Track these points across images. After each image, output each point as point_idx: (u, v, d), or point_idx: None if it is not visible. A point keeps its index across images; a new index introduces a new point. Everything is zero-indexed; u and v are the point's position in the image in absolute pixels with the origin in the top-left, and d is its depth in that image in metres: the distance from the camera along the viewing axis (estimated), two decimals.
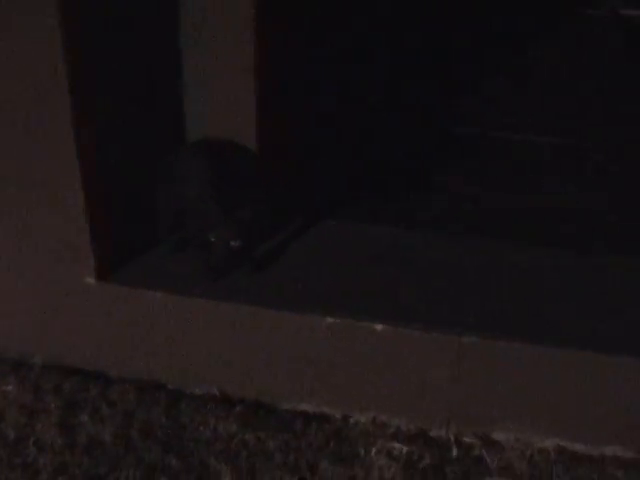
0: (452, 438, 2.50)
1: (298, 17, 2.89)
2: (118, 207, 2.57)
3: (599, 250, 2.75)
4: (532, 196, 2.96)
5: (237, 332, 2.52)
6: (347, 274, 2.59)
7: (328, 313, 2.44)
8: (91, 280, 2.56)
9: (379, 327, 2.42)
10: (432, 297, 2.51)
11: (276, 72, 2.72)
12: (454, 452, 2.47)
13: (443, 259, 2.65)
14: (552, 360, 2.39)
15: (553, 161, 3.22)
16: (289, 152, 2.93)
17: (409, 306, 2.48)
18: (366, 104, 3.28)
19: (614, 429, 2.47)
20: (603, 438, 2.48)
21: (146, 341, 2.60)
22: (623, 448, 2.49)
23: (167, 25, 2.58)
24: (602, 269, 2.65)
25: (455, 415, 2.49)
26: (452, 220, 2.87)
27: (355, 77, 3.27)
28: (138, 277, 2.58)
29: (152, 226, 2.65)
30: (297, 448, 2.46)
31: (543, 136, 3.29)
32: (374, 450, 2.46)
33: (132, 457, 2.42)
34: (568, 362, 2.40)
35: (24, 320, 2.67)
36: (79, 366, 2.67)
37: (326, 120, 3.09)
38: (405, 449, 2.46)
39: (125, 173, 2.57)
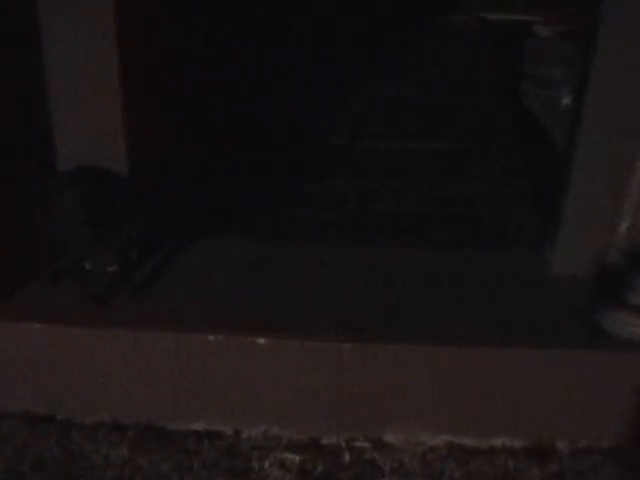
0: (343, 444, 2.52)
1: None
2: None
3: (466, 247, 2.85)
4: (402, 200, 3.00)
5: (120, 357, 2.50)
6: (227, 290, 2.60)
7: (210, 330, 2.44)
8: None
9: (261, 341, 2.43)
10: (311, 307, 2.54)
11: (143, 92, 2.73)
12: (346, 457, 2.49)
13: (319, 268, 2.68)
14: (432, 358, 2.44)
15: (423, 165, 3.27)
16: (162, 172, 2.93)
17: (289, 318, 2.50)
18: (237, 120, 3.28)
19: (501, 420, 2.52)
20: (491, 430, 2.53)
21: (31, 374, 2.56)
22: (511, 438, 2.55)
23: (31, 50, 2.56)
24: (471, 265, 2.72)
25: (344, 421, 2.51)
26: (327, 228, 2.90)
27: (224, 92, 3.28)
28: (17, 310, 2.54)
29: (31, 258, 2.62)
30: (191, 468, 2.45)
31: (413, 142, 3.33)
32: (267, 463, 2.47)
33: None
34: (448, 358, 2.45)
35: None
36: None
37: (199, 136, 3.09)
38: (298, 459, 2.48)
39: None
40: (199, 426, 2.56)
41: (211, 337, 2.45)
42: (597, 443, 2.57)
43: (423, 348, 2.44)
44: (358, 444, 2.52)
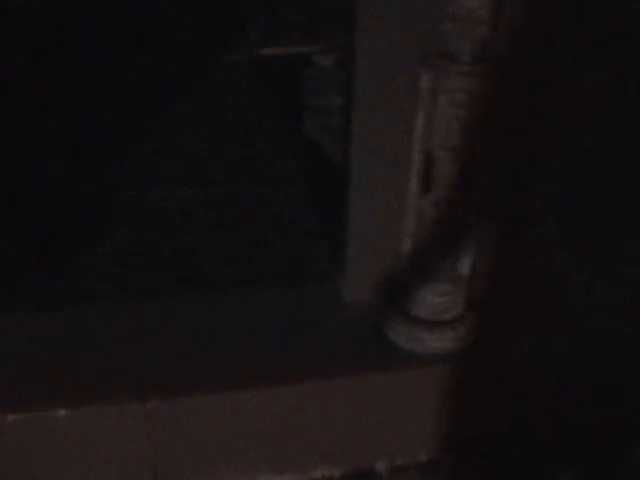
0: None
1: None
2: None
3: (259, 287, 2.88)
4: (190, 247, 3.01)
5: None
6: (17, 365, 2.51)
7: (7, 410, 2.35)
8: None
9: (62, 413, 2.36)
10: (111, 370, 2.49)
11: None
12: None
13: (110, 327, 2.63)
14: (239, 402, 2.45)
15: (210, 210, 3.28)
16: None
17: (87, 384, 2.44)
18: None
19: (317, 451, 2.55)
20: (310, 463, 2.56)
21: None
22: (330, 467, 2.58)
23: None
24: (265, 303, 2.78)
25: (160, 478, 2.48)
26: (111, 286, 2.85)
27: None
28: None
29: None
30: None
31: (197, 189, 3.35)
32: None
33: None
34: (253, 400, 2.47)
35: None
36: None
37: None
38: None
39: None
40: None
41: (11, 417, 2.35)
42: (414, 458, 2.64)
43: (228, 394, 2.44)
44: None
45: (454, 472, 2.63)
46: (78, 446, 2.41)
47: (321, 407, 2.50)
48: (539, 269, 2.68)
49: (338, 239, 2.77)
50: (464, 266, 2.60)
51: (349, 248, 2.70)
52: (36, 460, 2.42)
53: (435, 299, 2.58)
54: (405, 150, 2.50)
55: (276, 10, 4.61)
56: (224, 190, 3.37)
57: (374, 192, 2.61)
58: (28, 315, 2.69)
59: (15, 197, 3.09)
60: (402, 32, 2.43)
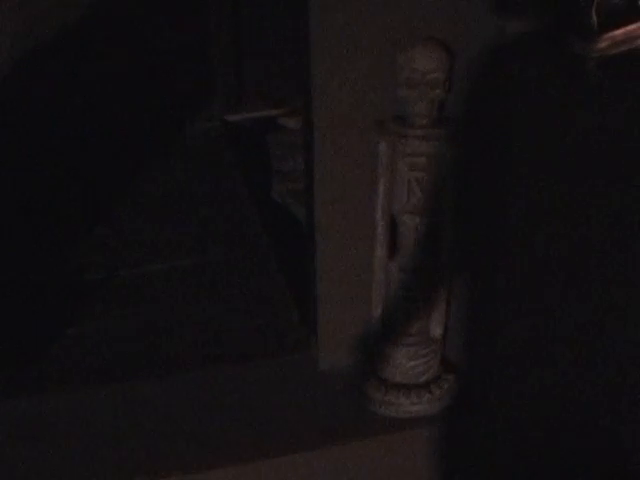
0: None
1: None
2: None
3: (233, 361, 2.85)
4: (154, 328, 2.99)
5: None
6: None
7: None
8: None
9: None
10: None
11: None
12: None
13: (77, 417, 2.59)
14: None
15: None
16: None
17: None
18: None
19: None
20: None
21: None
22: None
23: None
24: (241, 378, 2.76)
25: None
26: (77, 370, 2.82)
27: None
28: None
29: None
30: None
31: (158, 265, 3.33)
32: None
33: None
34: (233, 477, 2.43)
35: None
36: None
37: None
38: None
39: None
40: None
41: None
42: None
43: (204, 473, 2.41)
44: None
45: None
46: None
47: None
48: (515, 326, 2.66)
49: (310, 306, 2.75)
50: (436, 328, 2.58)
51: (320, 315, 2.68)
52: None
53: (409, 363, 2.56)
54: (369, 215, 2.50)
55: (240, 75, 4.60)
56: (192, 260, 3.36)
57: (341, 259, 2.61)
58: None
59: None
60: (358, 96, 2.44)
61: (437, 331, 2.59)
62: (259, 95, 4.56)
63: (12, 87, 4.40)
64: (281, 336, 2.93)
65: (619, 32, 2.17)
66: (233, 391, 2.71)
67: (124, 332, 2.98)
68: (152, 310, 3.10)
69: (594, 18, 2.14)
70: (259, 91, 4.60)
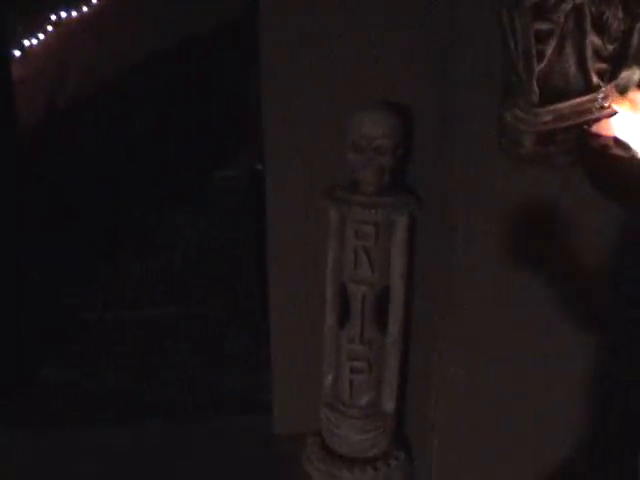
0: None
1: None
2: None
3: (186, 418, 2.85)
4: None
5: None
6: None
7: None
8: None
9: None
10: None
11: None
12: None
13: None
14: None
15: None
16: None
17: None
18: None
19: None
20: None
21: None
22: None
23: None
24: (196, 437, 2.74)
25: None
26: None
27: None
28: None
29: None
30: None
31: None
32: None
33: None
34: None
35: None
36: None
37: None
38: None
39: None
40: None
41: None
42: None
43: None
44: None
45: None
46: None
47: None
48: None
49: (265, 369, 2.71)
50: (388, 402, 2.48)
51: (274, 380, 2.64)
52: None
53: (356, 436, 2.48)
54: (320, 283, 2.44)
55: None
56: (177, 309, 3.40)
57: (294, 327, 2.56)
58: None
59: None
60: (309, 160, 2.40)
61: (388, 406, 2.48)
62: None
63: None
64: (246, 395, 2.89)
65: (564, 105, 2.04)
66: (185, 449, 2.69)
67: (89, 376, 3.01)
68: (121, 356, 3.12)
69: (535, 89, 2.02)
70: None
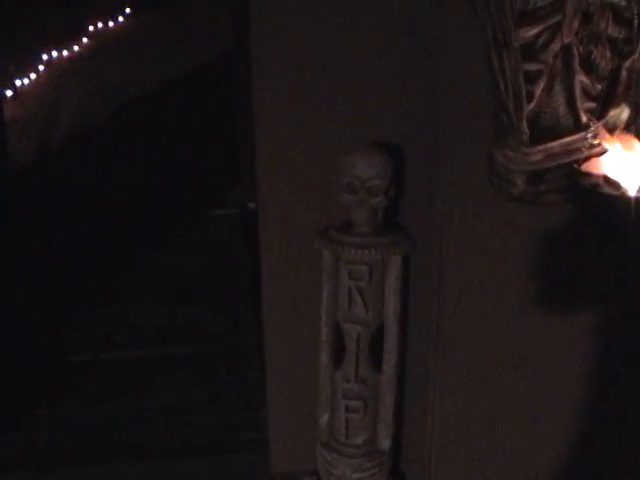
0: None
1: None
2: None
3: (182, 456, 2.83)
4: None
5: None
6: None
7: None
8: None
9: None
10: None
11: None
12: None
13: None
14: None
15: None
16: None
17: None
18: None
19: None
20: None
21: None
22: None
23: None
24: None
25: None
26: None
27: None
28: None
29: None
30: None
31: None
32: None
33: None
34: None
35: None
36: None
37: None
38: None
39: None
40: None
41: None
42: None
43: None
44: None
45: None
46: None
47: None
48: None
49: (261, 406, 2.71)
50: (384, 441, 2.48)
51: (270, 420, 2.63)
52: None
53: (352, 475, 2.47)
54: (315, 323, 2.44)
55: None
56: (174, 349, 3.40)
57: (289, 366, 2.55)
58: None
59: None
60: (304, 201, 2.41)
61: (385, 443, 2.48)
62: None
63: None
64: (243, 434, 2.89)
65: (554, 144, 2.06)
66: None
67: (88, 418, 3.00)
68: (119, 396, 3.12)
69: (525, 129, 2.04)
70: None
